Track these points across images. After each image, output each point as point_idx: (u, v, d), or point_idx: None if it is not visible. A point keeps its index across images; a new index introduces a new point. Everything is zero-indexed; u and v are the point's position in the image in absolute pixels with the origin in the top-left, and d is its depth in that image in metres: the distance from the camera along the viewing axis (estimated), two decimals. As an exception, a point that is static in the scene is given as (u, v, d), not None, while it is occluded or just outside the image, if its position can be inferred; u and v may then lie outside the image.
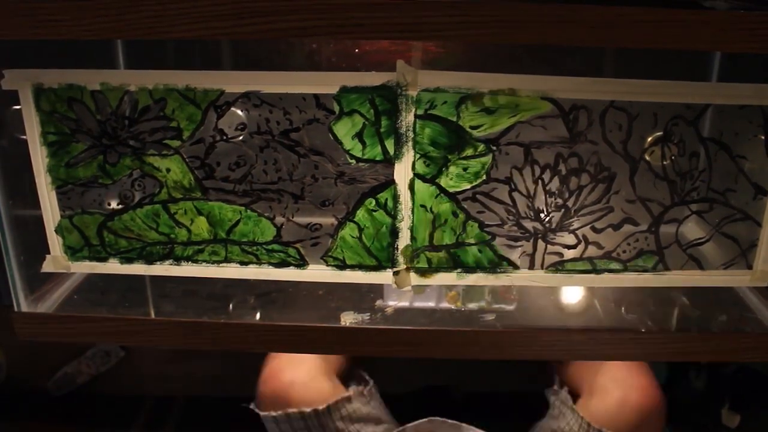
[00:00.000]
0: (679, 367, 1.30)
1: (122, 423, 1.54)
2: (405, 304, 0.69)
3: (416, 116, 0.55)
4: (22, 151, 0.58)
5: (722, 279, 0.63)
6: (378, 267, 0.61)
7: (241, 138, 0.57)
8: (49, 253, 0.62)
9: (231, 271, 0.62)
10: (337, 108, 0.55)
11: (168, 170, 0.58)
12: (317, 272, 0.62)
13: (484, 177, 0.58)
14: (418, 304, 0.69)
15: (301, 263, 0.62)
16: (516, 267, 0.61)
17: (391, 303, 0.69)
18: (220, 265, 0.62)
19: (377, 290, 0.71)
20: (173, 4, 0.50)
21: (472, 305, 0.69)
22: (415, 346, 0.64)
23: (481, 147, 0.57)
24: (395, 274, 0.61)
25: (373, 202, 0.59)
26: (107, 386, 1.60)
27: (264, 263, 0.62)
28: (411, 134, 0.56)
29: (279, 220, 0.60)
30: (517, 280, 0.62)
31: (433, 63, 0.60)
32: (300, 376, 0.86)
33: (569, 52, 0.61)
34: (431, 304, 0.69)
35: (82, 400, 1.58)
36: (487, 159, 0.57)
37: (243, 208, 0.60)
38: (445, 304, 0.69)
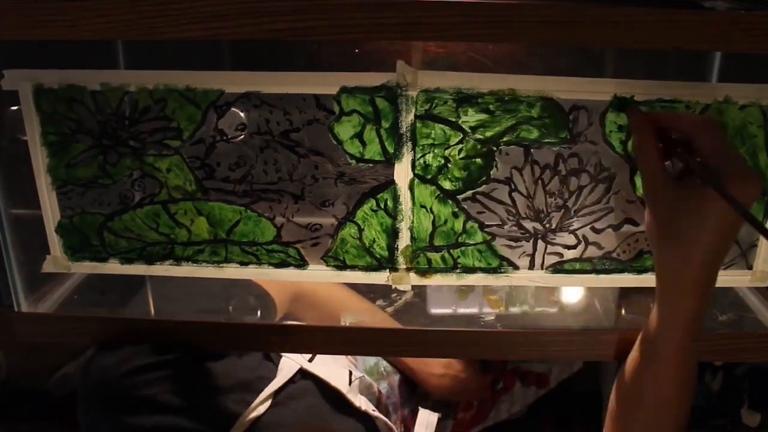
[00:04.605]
0: (693, 370, 1.29)
1: (122, 423, 1.53)
2: (449, 310, 0.69)
3: (416, 116, 0.55)
4: (22, 151, 0.58)
5: (722, 279, 0.62)
6: (378, 267, 0.61)
7: (241, 138, 0.57)
8: (49, 253, 0.62)
9: (231, 271, 0.62)
10: (337, 108, 0.55)
11: (168, 170, 0.58)
12: (317, 272, 0.62)
13: (484, 177, 0.58)
14: (462, 311, 0.69)
15: (301, 263, 0.62)
16: (516, 267, 0.61)
17: (435, 311, 0.69)
18: (220, 265, 0.62)
19: (377, 290, 0.71)
20: (173, 4, 0.50)
21: (515, 309, 0.69)
22: (414, 346, 0.64)
23: (481, 147, 0.57)
24: (395, 274, 0.61)
25: (374, 202, 0.59)
26: (107, 386, 1.59)
27: (264, 263, 0.62)
28: (411, 134, 0.56)
29: (279, 220, 0.60)
30: (517, 281, 0.62)
31: (433, 63, 0.60)
32: None
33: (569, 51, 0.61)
34: (474, 310, 0.69)
35: (82, 400, 1.58)
36: (487, 159, 0.57)
37: (243, 208, 0.60)
38: (487, 309, 0.69)
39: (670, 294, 0.51)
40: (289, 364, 0.73)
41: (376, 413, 0.77)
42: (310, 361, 0.75)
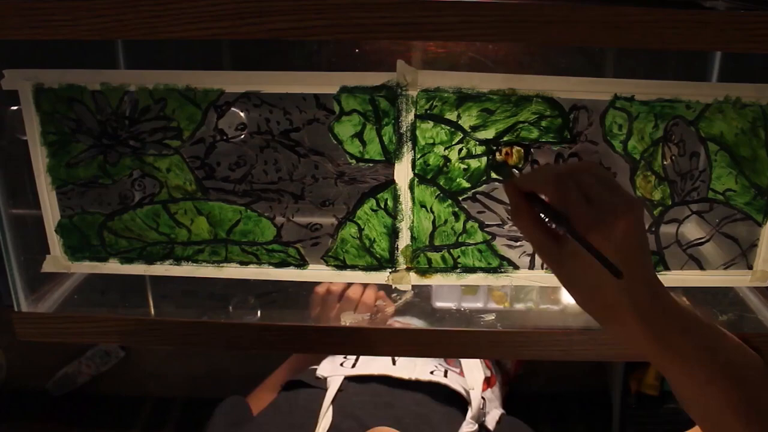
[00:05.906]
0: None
1: (122, 423, 1.54)
2: (452, 305, 0.69)
3: (416, 116, 0.55)
4: (22, 151, 0.58)
5: (722, 279, 0.63)
6: (378, 267, 0.61)
7: (241, 138, 0.57)
8: (49, 253, 0.62)
9: (231, 271, 0.62)
10: (337, 108, 0.55)
11: (168, 170, 0.58)
12: (317, 272, 0.62)
13: (484, 177, 0.58)
14: (466, 305, 0.69)
15: (301, 263, 0.62)
16: (516, 267, 0.61)
17: (440, 305, 0.69)
18: (220, 265, 0.62)
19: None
20: (173, 4, 0.50)
21: (520, 306, 0.69)
22: (415, 346, 0.64)
23: (481, 147, 0.57)
24: (395, 274, 0.61)
25: (374, 202, 0.59)
26: (107, 386, 1.60)
27: (264, 263, 0.62)
28: (411, 134, 0.56)
29: (279, 220, 0.60)
30: (517, 280, 0.62)
31: (433, 63, 0.60)
32: None
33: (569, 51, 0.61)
34: (479, 305, 0.70)
35: (82, 400, 1.58)
36: (488, 159, 0.57)
37: (243, 208, 0.60)
38: (492, 304, 0.69)
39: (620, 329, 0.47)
40: (335, 380, 0.82)
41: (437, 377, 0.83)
42: (352, 367, 0.84)
